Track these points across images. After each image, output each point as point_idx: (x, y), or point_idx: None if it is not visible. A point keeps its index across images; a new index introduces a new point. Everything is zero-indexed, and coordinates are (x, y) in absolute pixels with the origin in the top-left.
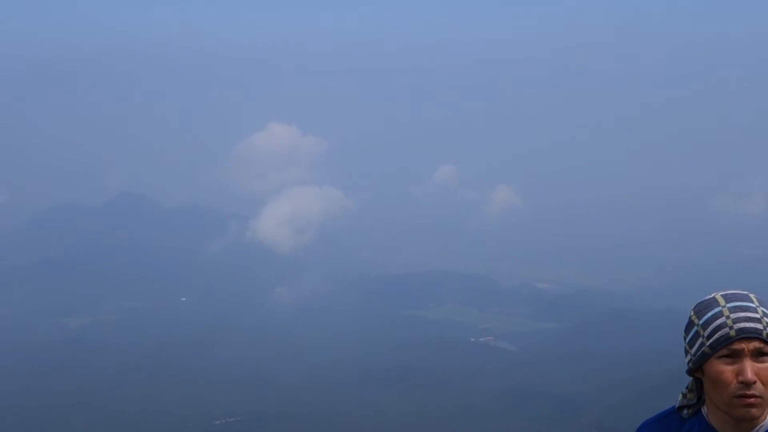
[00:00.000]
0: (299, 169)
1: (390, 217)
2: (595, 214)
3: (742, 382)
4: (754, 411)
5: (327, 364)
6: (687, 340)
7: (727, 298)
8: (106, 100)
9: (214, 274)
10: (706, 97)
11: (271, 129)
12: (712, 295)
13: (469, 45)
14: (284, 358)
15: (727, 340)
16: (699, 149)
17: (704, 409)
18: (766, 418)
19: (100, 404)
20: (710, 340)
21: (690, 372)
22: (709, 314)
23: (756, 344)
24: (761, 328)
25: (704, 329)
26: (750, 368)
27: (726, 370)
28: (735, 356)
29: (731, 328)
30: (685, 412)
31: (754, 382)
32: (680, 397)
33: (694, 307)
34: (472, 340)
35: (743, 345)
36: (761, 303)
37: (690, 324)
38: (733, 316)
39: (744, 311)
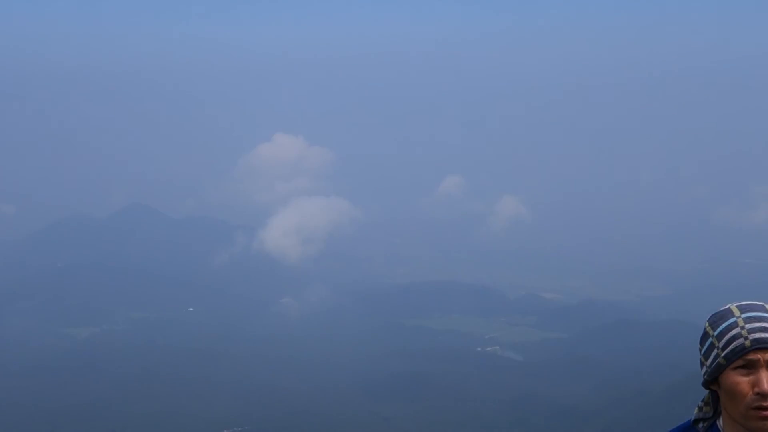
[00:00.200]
0: (306, 180)
1: (396, 227)
2: (601, 224)
3: (758, 394)
4: None
5: (333, 373)
6: (702, 351)
7: (742, 309)
8: (114, 111)
9: (221, 284)
10: (712, 107)
11: (277, 140)
12: (727, 306)
13: (474, 58)
14: (291, 368)
15: (742, 351)
16: (704, 160)
17: (720, 422)
18: None
19: (108, 414)
20: (725, 351)
21: (705, 384)
22: (724, 325)
23: None
24: None
25: (719, 340)
26: (766, 379)
27: (742, 381)
28: (751, 367)
29: (746, 338)
30: (701, 425)
31: None
32: (696, 410)
33: (709, 319)
34: (479, 349)
35: (759, 355)
36: None
37: (705, 335)
38: (748, 326)
39: (759, 321)
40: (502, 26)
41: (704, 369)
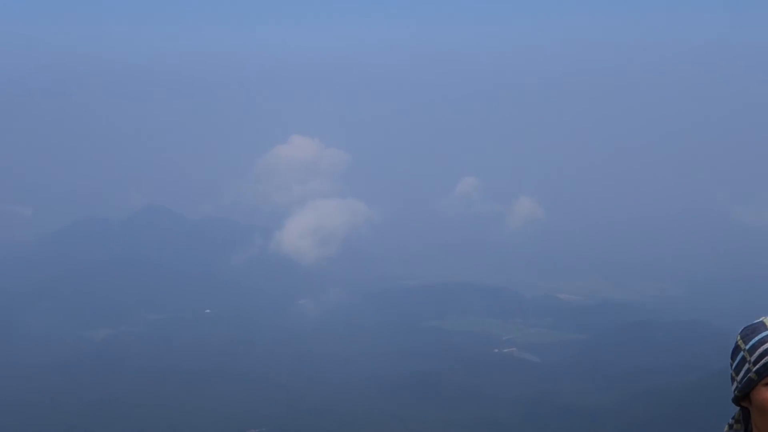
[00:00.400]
0: (322, 182)
1: (413, 229)
2: (617, 225)
3: None
4: None
5: (350, 375)
6: (733, 366)
7: None
8: (131, 113)
9: (238, 286)
10: (729, 109)
11: (293, 142)
12: (760, 320)
13: (491, 58)
14: (308, 369)
15: None
16: (722, 161)
17: None
18: None
19: (124, 416)
20: (757, 366)
21: (736, 401)
22: (756, 338)
23: None
24: None
25: (751, 354)
26: None
27: None
28: None
29: None
30: None
31: None
32: (726, 428)
33: (741, 332)
34: (495, 351)
35: None
36: None
37: (736, 349)
38: None
39: None
40: (520, 26)
41: (735, 384)
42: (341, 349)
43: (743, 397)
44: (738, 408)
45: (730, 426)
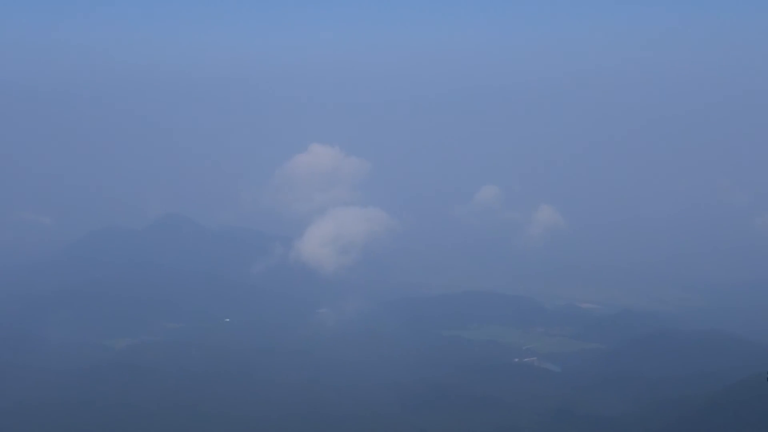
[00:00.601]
0: (342, 191)
1: (433, 237)
2: (638, 233)
3: None
4: None
5: (370, 384)
6: None
7: None
8: (149, 123)
9: (258, 295)
10: (749, 113)
11: (313, 150)
12: None
13: (511, 66)
14: (328, 379)
15: None
16: (742, 167)
17: None
18: None
19: (144, 426)
20: None
21: None
22: None
23: None
24: None
25: None
26: None
27: None
28: None
29: None
30: None
31: None
32: None
33: None
34: (516, 360)
35: None
36: None
37: None
38: None
39: None
40: (541, 36)
41: None
42: (361, 358)
43: None
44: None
45: None
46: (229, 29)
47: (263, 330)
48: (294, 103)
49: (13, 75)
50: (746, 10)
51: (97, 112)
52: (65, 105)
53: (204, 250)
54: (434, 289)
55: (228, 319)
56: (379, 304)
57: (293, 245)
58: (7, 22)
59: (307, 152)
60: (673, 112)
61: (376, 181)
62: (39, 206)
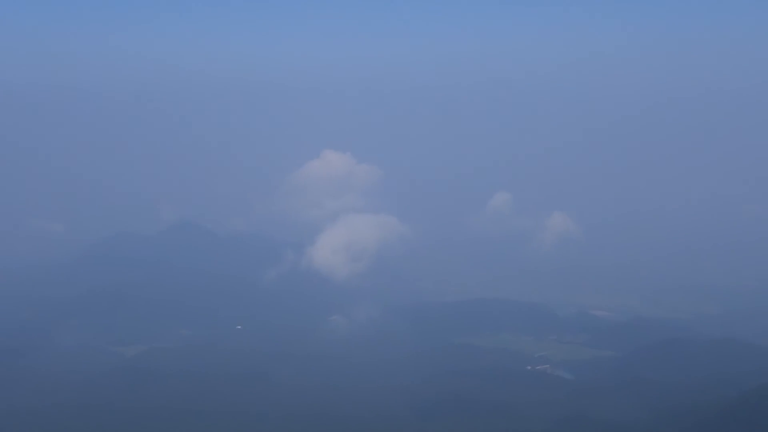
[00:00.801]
0: (354, 197)
1: (445, 244)
2: (651, 240)
3: None
4: None
5: (382, 391)
6: None
7: None
8: (161, 130)
9: (270, 302)
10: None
11: (325, 157)
12: None
13: (523, 72)
14: (340, 386)
15: None
16: (758, 174)
17: None
18: None
19: (157, 431)
20: None
21: None
22: None
23: None
24: None
25: None
26: None
27: None
28: None
29: None
30: None
31: None
32: None
33: None
34: (529, 368)
35: None
36: None
37: None
38: None
39: None
40: (551, 44)
41: None
42: (373, 365)
43: None
44: None
45: None
46: (242, 35)
47: (275, 337)
48: (307, 109)
49: (20, 81)
50: (746, 11)
51: (109, 118)
52: (76, 112)
53: (216, 256)
54: (446, 296)
55: (240, 326)
56: (390, 311)
57: (305, 252)
58: (7, 23)
59: (320, 159)
60: (688, 116)
61: (388, 188)
62: (52, 213)
